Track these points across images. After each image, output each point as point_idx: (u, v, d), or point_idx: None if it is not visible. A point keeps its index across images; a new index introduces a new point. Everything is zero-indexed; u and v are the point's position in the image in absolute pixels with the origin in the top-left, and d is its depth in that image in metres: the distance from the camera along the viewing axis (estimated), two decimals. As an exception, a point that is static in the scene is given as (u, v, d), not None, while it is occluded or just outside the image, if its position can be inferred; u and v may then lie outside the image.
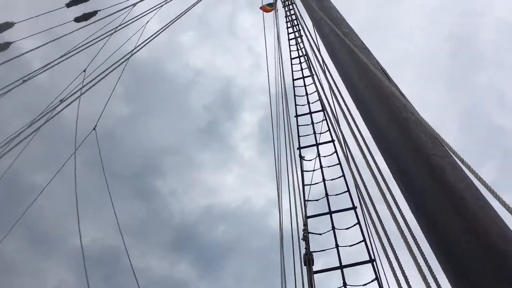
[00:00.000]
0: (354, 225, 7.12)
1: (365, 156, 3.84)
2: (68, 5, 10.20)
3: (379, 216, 3.53)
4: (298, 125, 8.88)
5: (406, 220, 2.84)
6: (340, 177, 7.66)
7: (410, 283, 2.69)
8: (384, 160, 3.30)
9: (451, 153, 2.48)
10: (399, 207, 2.98)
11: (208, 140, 42.27)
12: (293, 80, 10.07)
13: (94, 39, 8.01)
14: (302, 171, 7.76)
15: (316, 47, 6.35)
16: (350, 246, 6.98)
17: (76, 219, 5.73)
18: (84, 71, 6.65)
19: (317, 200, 7.52)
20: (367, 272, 6.76)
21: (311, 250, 6.40)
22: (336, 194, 7.46)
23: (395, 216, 2.88)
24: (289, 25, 11.82)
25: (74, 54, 7.38)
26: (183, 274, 33.99)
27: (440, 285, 2.29)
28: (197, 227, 37.11)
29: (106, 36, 8.14)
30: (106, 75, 6.17)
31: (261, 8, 13.95)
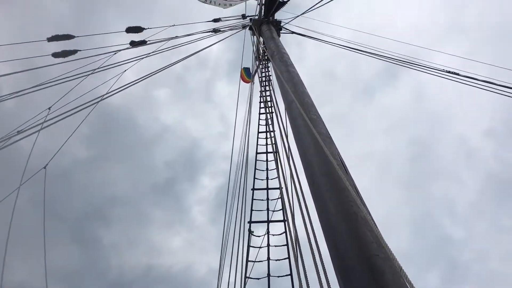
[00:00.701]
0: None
1: (311, 244, 3.83)
2: (49, 40, 10.23)
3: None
4: (253, 199, 8.88)
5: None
6: (285, 258, 7.59)
7: None
8: (329, 250, 3.30)
9: (393, 257, 2.51)
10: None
11: (162, 198, 41.47)
12: (256, 153, 10.19)
13: (68, 77, 7.97)
14: (248, 246, 7.65)
15: (284, 128, 6.50)
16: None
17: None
18: (49, 108, 6.54)
19: (258, 278, 7.36)
20: None
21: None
22: (278, 276, 7.33)
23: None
24: (262, 100, 12.14)
25: (44, 88, 7.30)
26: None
27: None
28: (133, 286, 35.40)
29: (81, 77, 8.13)
30: (69, 115, 6.09)
31: (241, 77, 14.33)
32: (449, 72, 8.45)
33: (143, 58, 9.29)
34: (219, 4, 14.52)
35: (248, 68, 14.38)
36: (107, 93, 7.05)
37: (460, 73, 8.27)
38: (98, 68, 8.26)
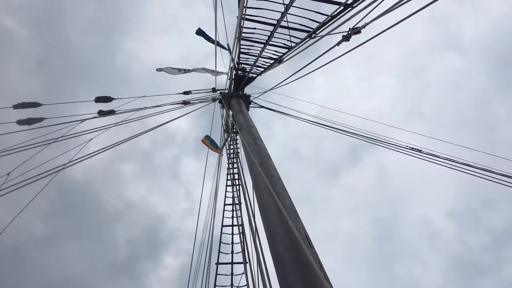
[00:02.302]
0: None
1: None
2: (15, 107, 10.10)
3: None
4: (216, 273, 8.57)
5: None
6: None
7: None
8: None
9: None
10: None
11: (122, 277, 39.61)
12: (222, 226, 10.01)
13: (30, 144, 7.79)
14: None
15: (250, 202, 6.45)
16: None
17: None
18: (8, 174, 6.31)
19: None
20: None
21: None
22: None
23: None
24: (230, 172, 12.14)
25: (4, 155, 7.09)
26: None
27: None
28: None
29: (44, 144, 7.96)
30: (29, 183, 5.88)
31: (205, 144, 14.38)
32: (412, 149, 8.71)
33: (110, 127, 9.24)
34: (190, 71, 14.84)
35: (213, 139, 14.49)
36: (69, 162, 6.89)
37: (423, 150, 8.55)
38: (63, 136, 8.13)
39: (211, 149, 14.13)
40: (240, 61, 12.08)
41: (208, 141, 14.34)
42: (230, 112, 12.54)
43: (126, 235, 41.48)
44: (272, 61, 10.82)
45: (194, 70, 14.78)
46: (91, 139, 8.60)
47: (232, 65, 12.62)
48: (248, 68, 12.48)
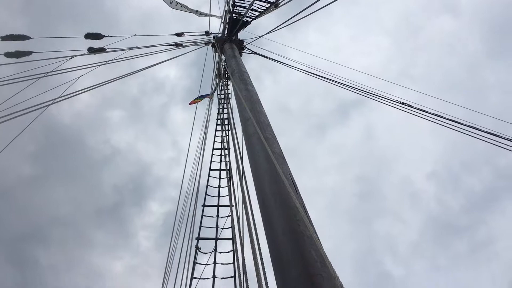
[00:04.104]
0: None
1: (257, 265, 3.78)
2: (3, 38, 9.87)
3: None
4: (202, 215, 8.76)
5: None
6: (231, 277, 7.48)
7: None
8: (274, 270, 3.27)
9: (336, 275, 2.50)
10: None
11: (107, 221, 40.07)
12: (210, 169, 10.13)
13: (18, 77, 7.65)
14: (194, 262, 7.50)
15: (239, 146, 6.49)
16: None
17: None
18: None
19: None
20: None
21: None
22: None
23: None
24: (220, 117, 12.14)
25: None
26: None
27: None
28: None
29: (33, 79, 7.82)
30: (16, 116, 5.82)
31: (190, 103, 14.32)
32: (402, 103, 8.73)
33: (100, 65, 9.09)
34: (185, 10, 14.50)
35: (202, 95, 14.39)
36: (58, 97, 6.80)
37: (413, 105, 8.59)
38: (51, 71, 7.99)
39: (200, 101, 14.05)
40: (236, 3, 11.79)
41: (198, 98, 14.22)
42: (223, 57, 12.36)
43: (112, 180, 41.73)
44: (268, 5, 10.59)
45: (181, 6, 14.37)
46: (81, 76, 8.47)
47: (227, 8, 12.32)
48: (243, 11, 12.19)
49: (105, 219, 39.25)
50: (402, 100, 8.83)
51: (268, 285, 3.51)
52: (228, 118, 10.50)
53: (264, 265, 3.86)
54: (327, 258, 2.57)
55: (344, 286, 2.25)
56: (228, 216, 8.60)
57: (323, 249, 2.69)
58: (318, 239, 2.89)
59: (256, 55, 13.35)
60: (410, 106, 8.60)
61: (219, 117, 12.09)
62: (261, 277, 3.62)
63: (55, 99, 6.70)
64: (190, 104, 14.33)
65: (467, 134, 7.01)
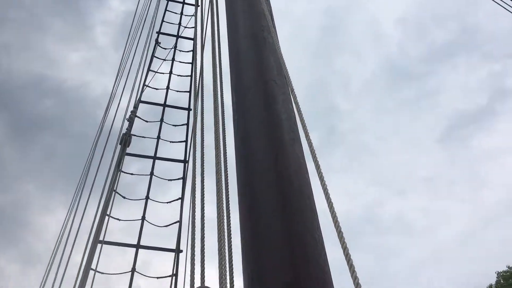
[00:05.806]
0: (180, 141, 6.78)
1: (215, 67, 3.76)
2: None
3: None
4: (166, 9, 8.33)
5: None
6: (188, 76, 7.46)
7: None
8: (230, 72, 3.26)
9: (290, 82, 2.52)
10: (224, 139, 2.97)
11: (65, 9, 37.61)
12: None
13: None
14: (152, 55, 7.38)
15: None
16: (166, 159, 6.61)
17: None
18: None
19: (152, 103, 6.96)
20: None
21: (132, 133, 6.22)
22: (175, 107, 6.98)
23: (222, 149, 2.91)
24: None
25: None
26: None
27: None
28: (23, 91, 33.71)
29: None
30: None
31: None
32: None
33: None
34: None
35: None
36: None
37: None
38: None
39: None
40: None
41: None
42: None
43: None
44: None
45: None
46: None
47: None
48: None
49: (62, 7, 37.31)
50: None
51: (223, 87, 3.56)
52: None
53: (222, 71, 3.86)
54: (285, 66, 2.58)
55: (296, 93, 2.31)
56: (192, 16, 8.28)
57: (282, 58, 2.69)
58: (279, 48, 2.85)
59: None
60: None
61: None
62: (217, 77, 3.65)
63: None
64: None
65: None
